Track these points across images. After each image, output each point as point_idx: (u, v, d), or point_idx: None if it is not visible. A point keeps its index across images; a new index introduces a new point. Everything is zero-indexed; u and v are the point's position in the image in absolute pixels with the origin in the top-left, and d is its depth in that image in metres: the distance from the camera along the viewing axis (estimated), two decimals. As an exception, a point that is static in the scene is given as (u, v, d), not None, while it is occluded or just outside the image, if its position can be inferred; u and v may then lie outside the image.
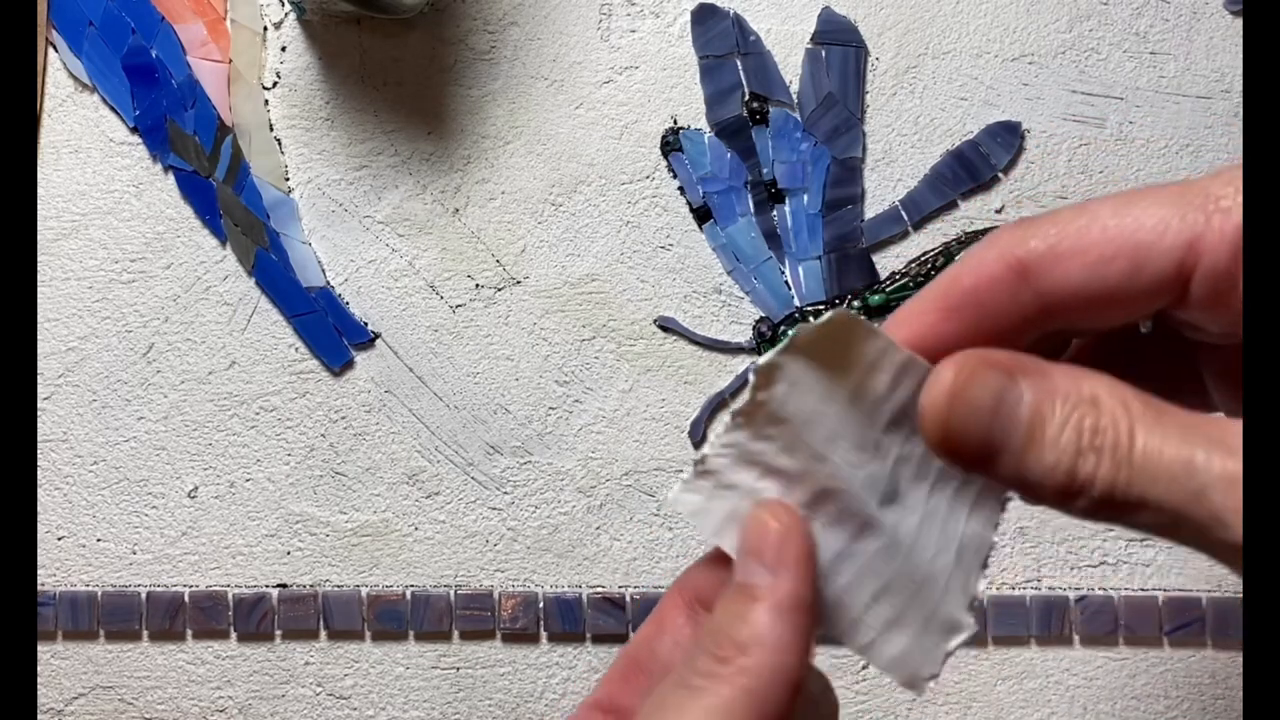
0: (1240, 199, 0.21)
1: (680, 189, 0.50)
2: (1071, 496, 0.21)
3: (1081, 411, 0.21)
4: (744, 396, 0.24)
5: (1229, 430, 0.20)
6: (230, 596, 0.50)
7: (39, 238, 0.50)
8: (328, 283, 0.50)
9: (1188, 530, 0.20)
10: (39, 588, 0.50)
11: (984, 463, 0.22)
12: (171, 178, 0.51)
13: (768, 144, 0.50)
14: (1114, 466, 0.20)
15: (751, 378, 0.24)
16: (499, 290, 0.50)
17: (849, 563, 0.25)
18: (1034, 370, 0.22)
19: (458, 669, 0.50)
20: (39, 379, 0.50)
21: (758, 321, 0.50)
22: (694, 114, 0.50)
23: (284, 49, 0.51)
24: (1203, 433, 0.20)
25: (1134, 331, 0.26)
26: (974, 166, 0.50)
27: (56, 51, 0.51)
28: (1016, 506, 0.49)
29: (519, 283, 0.50)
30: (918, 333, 0.24)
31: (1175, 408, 0.21)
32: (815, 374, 0.24)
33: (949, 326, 0.23)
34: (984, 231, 0.50)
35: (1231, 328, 0.22)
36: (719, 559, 0.25)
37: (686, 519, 0.26)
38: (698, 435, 0.50)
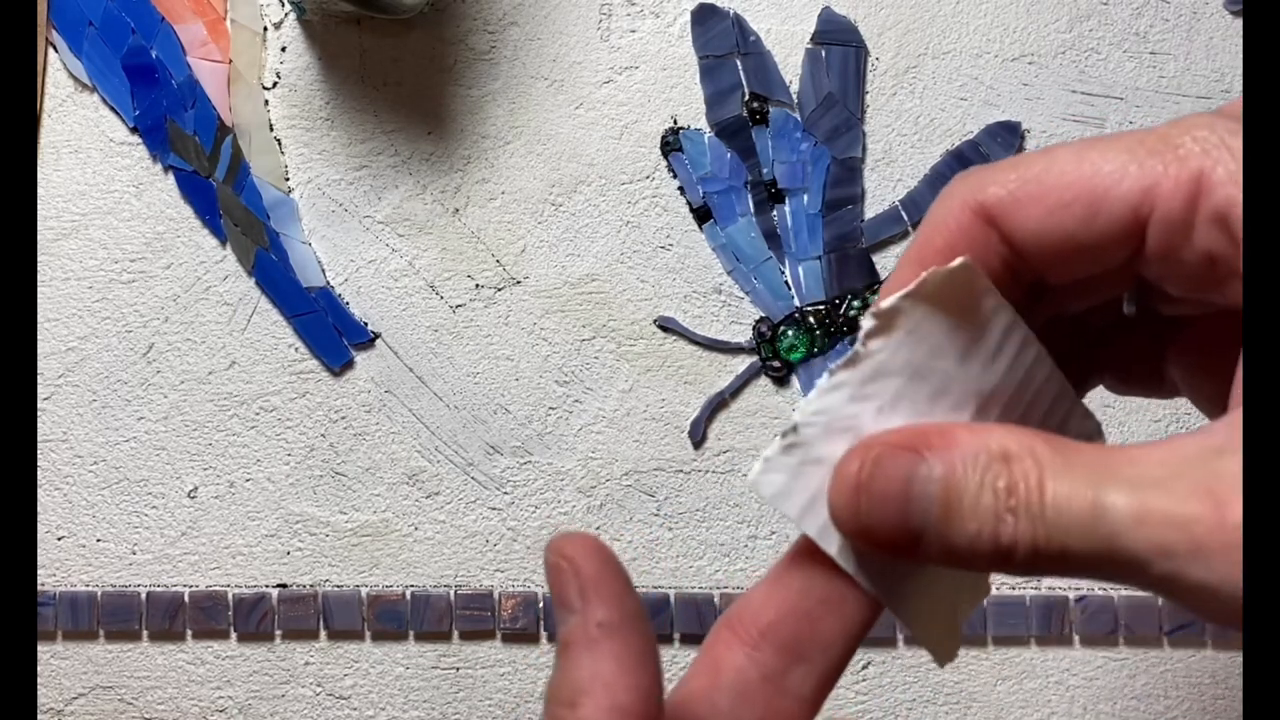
0: (1197, 148, 0.21)
1: (680, 189, 0.50)
2: (1002, 562, 0.20)
3: (994, 471, 0.20)
4: (854, 347, 0.23)
5: (1136, 459, 0.19)
6: (230, 596, 0.50)
7: (39, 238, 0.50)
8: (328, 283, 0.50)
9: (1119, 575, 0.20)
10: (39, 588, 0.50)
11: (908, 549, 0.21)
12: (171, 178, 0.51)
13: (768, 144, 0.50)
14: (1030, 524, 0.20)
15: (867, 322, 0.22)
16: (499, 290, 0.50)
17: None
18: (939, 440, 0.21)
19: (458, 669, 0.50)
20: (39, 379, 0.50)
21: (758, 321, 0.50)
22: (694, 114, 0.50)
23: (284, 49, 0.51)
24: (1108, 471, 0.19)
25: (1119, 316, 0.26)
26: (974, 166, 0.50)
27: (56, 51, 0.51)
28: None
29: (519, 283, 0.50)
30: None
31: (1085, 446, 0.20)
32: (934, 323, 0.22)
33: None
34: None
35: (1190, 286, 0.22)
36: (779, 585, 0.22)
37: (770, 503, 0.23)
38: (698, 435, 0.50)
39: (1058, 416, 0.24)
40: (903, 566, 0.23)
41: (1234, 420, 0.20)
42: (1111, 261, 0.22)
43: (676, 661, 0.49)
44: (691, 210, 0.50)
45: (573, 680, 0.21)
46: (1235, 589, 0.18)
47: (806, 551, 0.22)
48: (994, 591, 0.50)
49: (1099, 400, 0.31)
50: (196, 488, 0.50)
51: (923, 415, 0.23)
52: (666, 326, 0.50)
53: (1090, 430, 0.25)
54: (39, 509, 0.50)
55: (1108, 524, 0.19)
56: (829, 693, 0.22)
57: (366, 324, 0.50)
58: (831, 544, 0.22)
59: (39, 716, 0.50)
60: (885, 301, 0.22)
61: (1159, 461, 0.19)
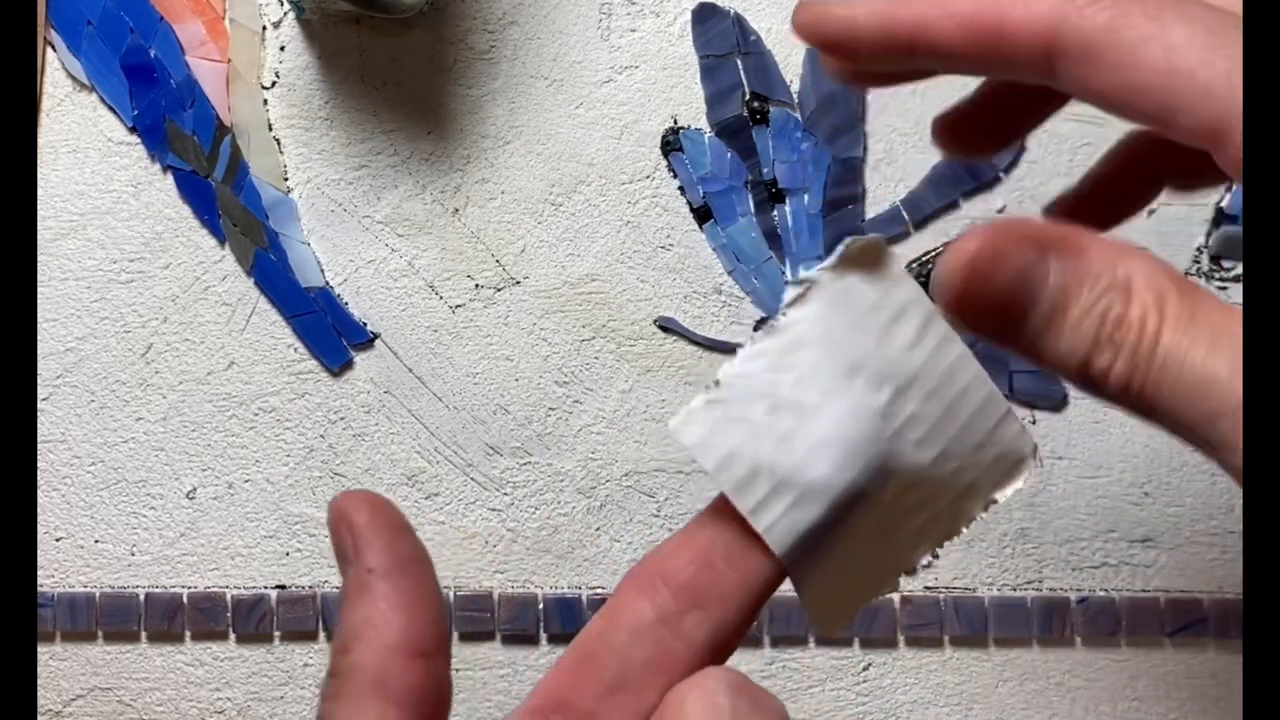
0: None
1: (680, 189, 0.50)
2: (1089, 384, 0.20)
3: (1109, 299, 0.20)
4: (776, 317, 0.23)
5: None
6: (229, 598, 0.50)
7: (38, 238, 0.50)
8: (327, 283, 0.50)
9: (1202, 447, 0.19)
10: (38, 589, 0.50)
11: (1001, 335, 0.21)
12: (170, 178, 0.50)
13: (768, 144, 0.50)
14: (1130, 366, 0.19)
15: (788, 293, 0.23)
16: (499, 290, 0.50)
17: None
18: (1068, 246, 0.20)
19: (457, 670, 0.50)
20: (38, 379, 0.50)
21: (758, 322, 0.50)
22: (694, 114, 0.50)
23: (283, 48, 0.50)
24: (1233, 342, 0.19)
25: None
26: (975, 166, 0.50)
27: (55, 51, 0.50)
28: (1017, 507, 0.49)
29: (519, 283, 0.50)
30: (930, 27, 0.23)
31: (1217, 302, 0.19)
32: (852, 299, 0.23)
33: (961, 43, 0.23)
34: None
35: (1111, 99, 0.21)
36: (689, 537, 0.23)
37: (689, 452, 0.24)
38: (698, 436, 0.50)
39: (984, 425, 0.24)
40: (816, 538, 0.23)
41: None
42: (1028, 75, 0.22)
43: (676, 662, 0.49)
44: (692, 210, 0.50)
45: (347, 626, 0.21)
46: None
47: (721, 508, 0.23)
48: (994, 593, 0.49)
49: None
50: (195, 488, 0.50)
51: (840, 392, 0.23)
52: (666, 326, 0.50)
53: (1023, 448, 0.24)
54: (38, 510, 0.50)
55: (1213, 402, 0.19)
56: (728, 648, 0.22)
57: (366, 324, 0.50)
58: (744, 501, 0.23)
59: (38, 717, 0.50)
60: (803, 271, 0.23)
61: None
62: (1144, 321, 0.19)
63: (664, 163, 0.50)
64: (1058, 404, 0.50)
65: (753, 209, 0.50)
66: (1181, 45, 0.20)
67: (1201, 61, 0.20)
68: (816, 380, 0.23)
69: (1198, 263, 0.50)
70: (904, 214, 0.50)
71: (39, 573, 0.50)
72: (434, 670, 0.21)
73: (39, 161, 0.50)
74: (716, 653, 0.22)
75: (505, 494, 0.50)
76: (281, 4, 0.50)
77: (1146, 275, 0.20)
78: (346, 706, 0.21)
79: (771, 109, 0.50)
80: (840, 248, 0.23)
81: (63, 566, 0.50)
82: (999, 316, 0.21)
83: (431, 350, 0.50)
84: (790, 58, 0.50)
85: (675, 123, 0.50)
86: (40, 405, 0.50)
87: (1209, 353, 0.19)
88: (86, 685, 0.50)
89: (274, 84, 0.50)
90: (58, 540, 0.50)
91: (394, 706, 0.21)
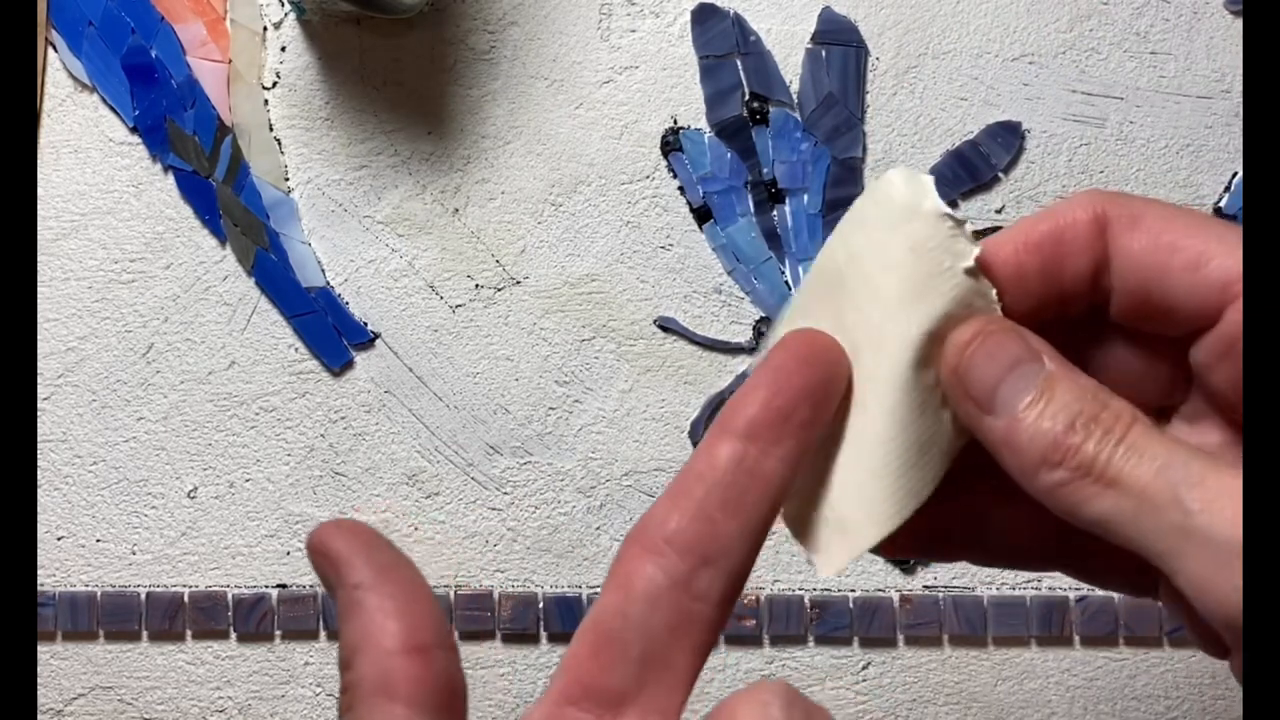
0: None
1: (680, 189, 0.50)
2: (1050, 464, 0.22)
3: (1091, 404, 0.22)
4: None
5: (1207, 505, 0.21)
6: (230, 597, 0.50)
7: (38, 238, 0.50)
8: (327, 283, 0.50)
9: (1148, 521, 0.21)
10: (39, 588, 0.50)
11: (981, 405, 0.23)
12: (171, 178, 0.51)
13: (768, 144, 0.50)
14: (1100, 444, 0.22)
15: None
16: (499, 290, 0.50)
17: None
18: (1061, 361, 0.23)
19: (457, 669, 0.50)
20: (38, 379, 0.50)
21: (758, 321, 0.50)
22: (694, 114, 0.50)
23: (284, 49, 0.51)
24: (1182, 490, 0.21)
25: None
26: (974, 166, 0.50)
27: (56, 51, 0.50)
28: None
29: (519, 283, 0.50)
30: (995, 259, 0.25)
31: (1170, 442, 0.22)
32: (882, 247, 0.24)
33: (1026, 258, 0.24)
34: (985, 232, 0.50)
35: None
36: (680, 494, 0.23)
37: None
38: (698, 435, 0.50)
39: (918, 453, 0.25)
40: (825, 458, 0.24)
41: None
42: (1181, 326, 0.24)
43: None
44: (691, 210, 0.50)
45: (346, 643, 0.22)
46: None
47: (702, 465, 0.23)
48: (993, 592, 0.50)
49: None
50: (196, 488, 0.50)
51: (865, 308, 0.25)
52: (666, 326, 0.50)
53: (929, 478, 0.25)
54: (39, 509, 0.50)
55: (1179, 476, 0.21)
56: (737, 597, 0.23)
57: (366, 324, 0.50)
58: None
59: (39, 717, 0.50)
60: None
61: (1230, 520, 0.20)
62: (1120, 418, 0.22)
63: (664, 163, 0.50)
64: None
65: (752, 209, 0.50)
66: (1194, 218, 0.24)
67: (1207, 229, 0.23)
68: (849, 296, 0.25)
69: (1196, 263, 0.50)
70: (903, 214, 0.50)
71: (40, 572, 0.50)
72: (436, 662, 0.22)
73: (40, 162, 0.50)
74: (731, 604, 0.23)
75: (505, 493, 0.50)
76: (282, 4, 0.50)
77: (1124, 400, 0.22)
78: (357, 717, 0.21)
79: (771, 109, 0.50)
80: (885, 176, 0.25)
81: (64, 566, 0.50)
82: (990, 386, 0.23)
83: (432, 350, 0.50)
84: (790, 58, 0.50)
85: (675, 123, 0.50)
86: (41, 405, 0.50)
87: (1172, 453, 0.21)
88: (88, 684, 0.50)
89: (275, 84, 0.50)
90: (59, 539, 0.50)
91: (401, 704, 0.21)
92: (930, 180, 0.24)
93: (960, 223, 0.24)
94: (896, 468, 0.24)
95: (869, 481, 0.24)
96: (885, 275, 0.24)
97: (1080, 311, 0.25)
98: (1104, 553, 0.24)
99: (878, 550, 0.25)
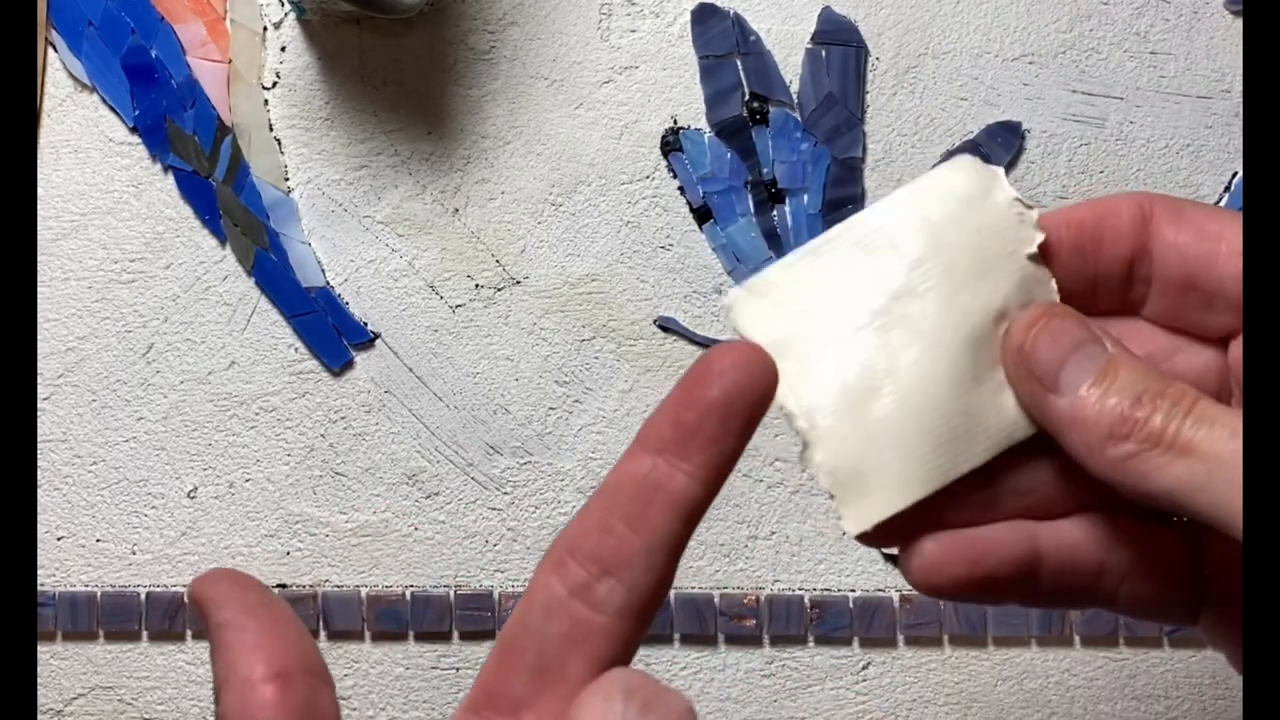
0: None
1: (680, 189, 0.50)
2: (1117, 437, 0.22)
3: (1155, 382, 0.23)
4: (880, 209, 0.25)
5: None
6: (230, 597, 0.50)
7: (38, 238, 0.50)
8: (327, 283, 0.50)
9: (1221, 485, 0.21)
10: (38, 588, 0.50)
11: (1046, 384, 0.24)
12: (171, 178, 0.51)
13: (768, 144, 0.50)
14: (1169, 416, 0.22)
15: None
16: (499, 290, 0.50)
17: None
18: (1121, 345, 0.24)
19: (458, 669, 0.50)
20: (38, 379, 0.50)
21: (758, 321, 0.50)
22: (694, 114, 0.50)
23: (284, 49, 0.51)
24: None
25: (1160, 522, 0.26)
26: (974, 166, 0.50)
27: (56, 51, 0.50)
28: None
29: (519, 283, 0.50)
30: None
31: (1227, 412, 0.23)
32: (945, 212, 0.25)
33: (1066, 234, 0.25)
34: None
35: None
36: (588, 509, 0.23)
37: (740, 329, 0.26)
38: (698, 435, 0.50)
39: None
40: (871, 415, 0.25)
41: None
42: (1219, 320, 0.25)
43: (677, 662, 0.49)
44: (691, 210, 0.50)
45: (215, 677, 0.23)
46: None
47: (612, 479, 0.23)
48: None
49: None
50: (196, 488, 0.50)
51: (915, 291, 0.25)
52: (666, 326, 0.50)
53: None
54: (39, 509, 0.50)
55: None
56: (648, 611, 0.22)
57: (366, 324, 0.50)
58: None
59: (39, 717, 0.50)
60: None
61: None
62: (1184, 393, 0.23)
63: (664, 163, 0.50)
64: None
65: (752, 209, 0.50)
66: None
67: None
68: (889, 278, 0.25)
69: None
70: (903, 214, 0.50)
71: (40, 572, 0.50)
72: (298, 689, 0.23)
73: (40, 162, 0.50)
74: (637, 616, 0.22)
75: (505, 493, 0.50)
76: (282, 4, 0.50)
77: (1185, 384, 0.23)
78: None
79: (771, 109, 0.50)
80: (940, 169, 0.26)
81: (64, 566, 0.50)
82: (1053, 365, 0.24)
83: (432, 350, 0.50)
84: (790, 58, 0.50)
85: (675, 123, 0.50)
86: (41, 405, 0.50)
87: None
88: (88, 684, 0.50)
89: (275, 84, 0.50)
90: (59, 540, 0.50)
91: None
92: (1000, 169, 0.25)
93: (1029, 208, 0.25)
94: (942, 434, 0.25)
95: (911, 443, 0.25)
96: (950, 251, 0.25)
97: (1112, 305, 0.26)
98: (1151, 574, 0.25)
99: (906, 542, 0.26)
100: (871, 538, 0.25)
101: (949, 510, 0.25)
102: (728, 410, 0.23)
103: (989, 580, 0.26)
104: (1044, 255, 0.25)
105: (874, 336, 0.25)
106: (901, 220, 0.25)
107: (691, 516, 0.23)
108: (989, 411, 0.25)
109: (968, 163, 0.26)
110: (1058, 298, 0.25)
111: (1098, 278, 0.25)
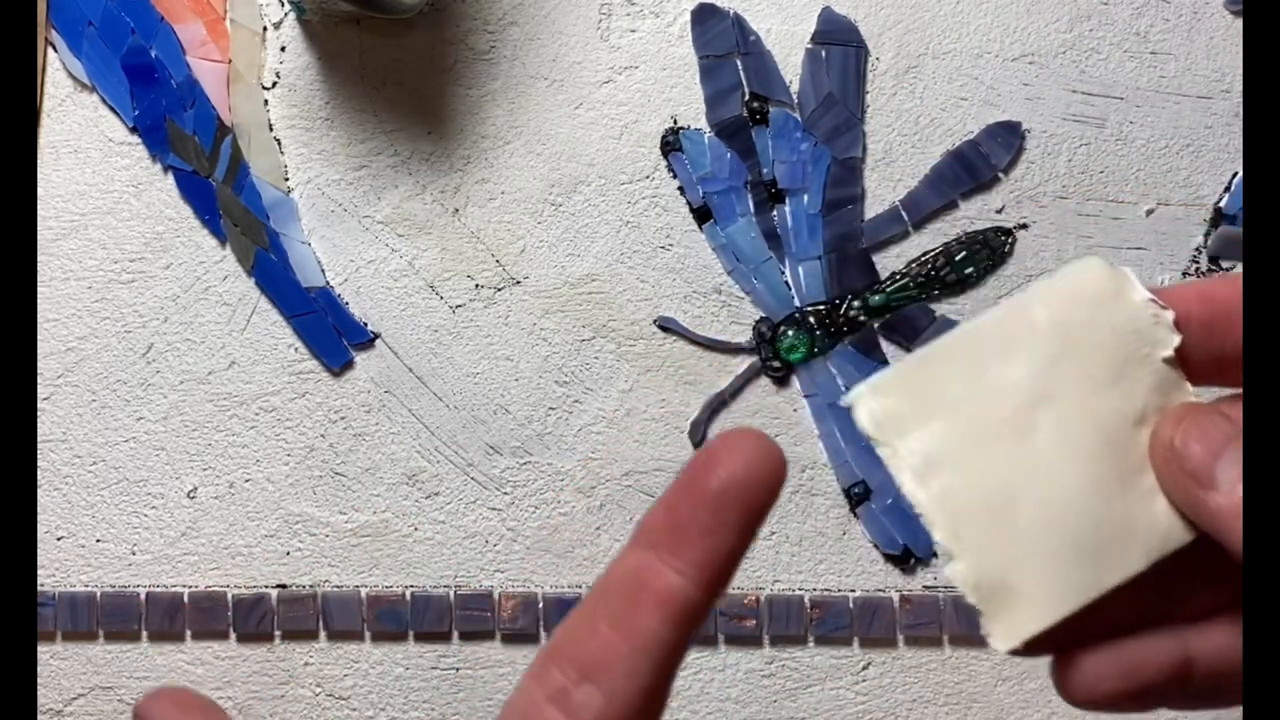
0: None
1: (680, 189, 0.50)
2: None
3: None
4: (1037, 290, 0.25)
5: None
6: (230, 597, 0.50)
7: (39, 238, 0.50)
8: (327, 283, 0.50)
9: None
10: (39, 588, 0.50)
11: (1201, 481, 0.23)
12: (171, 178, 0.51)
13: (768, 144, 0.50)
14: None
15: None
16: (499, 290, 0.50)
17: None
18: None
19: (458, 669, 0.50)
20: (38, 379, 0.50)
21: (758, 321, 0.50)
22: (694, 114, 0.50)
23: (283, 49, 0.51)
24: None
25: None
26: (974, 166, 0.50)
27: (56, 51, 0.50)
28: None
29: (519, 283, 0.50)
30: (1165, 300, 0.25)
31: None
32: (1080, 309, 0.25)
33: (1197, 308, 0.24)
34: (984, 232, 0.50)
35: None
36: (578, 611, 0.22)
37: (866, 428, 0.25)
38: (698, 435, 0.50)
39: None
40: (1015, 526, 0.24)
41: None
42: None
43: (676, 662, 0.49)
44: (691, 210, 0.50)
45: None
46: None
47: (603, 577, 0.22)
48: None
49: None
50: (196, 488, 0.50)
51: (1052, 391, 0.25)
52: (666, 326, 0.50)
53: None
54: (38, 509, 0.50)
55: None
56: (631, 716, 0.21)
57: (366, 324, 0.50)
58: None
59: (39, 717, 0.50)
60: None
61: None
62: None
63: (664, 163, 0.50)
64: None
65: (752, 209, 0.50)
66: None
67: None
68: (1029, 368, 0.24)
69: (1196, 263, 0.50)
70: (903, 214, 0.50)
71: (40, 572, 0.50)
72: None
73: (40, 162, 0.50)
74: None
75: (505, 493, 0.50)
76: (282, 4, 0.50)
77: None
78: None
79: (771, 109, 0.50)
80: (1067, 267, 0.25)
81: (64, 566, 0.50)
82: (1206, 462, 0.23)
83: (432, 350, 0.50)
84: (790, 58, 0.50)
85: (675, 123, 0.50)
86: (41, 405, 0.50)
87: None
88: (88, 684, 0.50)
89: (274, 84, 0.50)
90: (59, 540, 0.50)
91: None
92: (1130, 271, 0.25)
93: (1164, 309, 0.24)
94: (1090, 545, 0.24)
95: (1059, 554, 0.24)
96: (1083, 355, 0.24)
97: (1237, 383, 0.25)
98: None
99: (1062, 649, 0.25)
100: (1021, 652, 0.25)
101: (1099, 618, 0.24)
102: (722, 501, 0.21)
103: (1144, 691, 0.25)
104: (1179, 357, 0.24)
105: (1012, 444, 0.24)
106: (1030, 322, 0.25)
107: (683, 619, 0.21)
108: (1140, 519, 0.24)
109: (1096, 264, 0.25)
110: (1194, 398, 0.24)
111: (1225, 358, 0.24)
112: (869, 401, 0.24)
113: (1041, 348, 0.24)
